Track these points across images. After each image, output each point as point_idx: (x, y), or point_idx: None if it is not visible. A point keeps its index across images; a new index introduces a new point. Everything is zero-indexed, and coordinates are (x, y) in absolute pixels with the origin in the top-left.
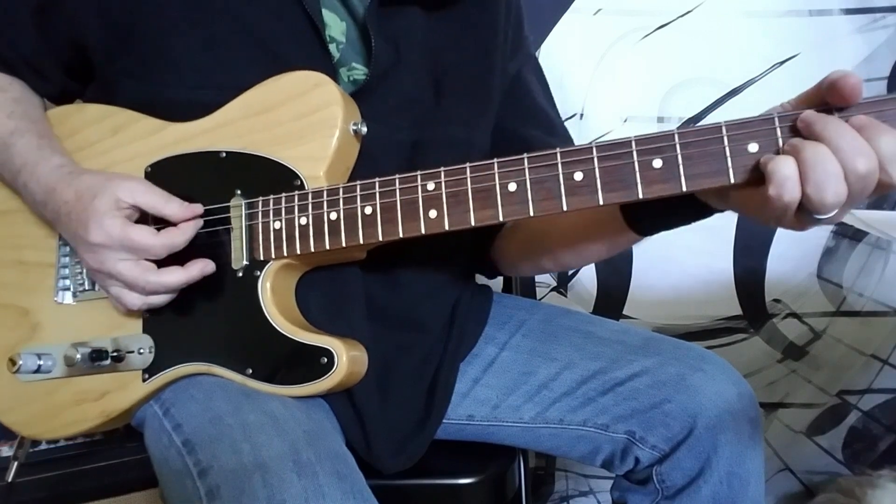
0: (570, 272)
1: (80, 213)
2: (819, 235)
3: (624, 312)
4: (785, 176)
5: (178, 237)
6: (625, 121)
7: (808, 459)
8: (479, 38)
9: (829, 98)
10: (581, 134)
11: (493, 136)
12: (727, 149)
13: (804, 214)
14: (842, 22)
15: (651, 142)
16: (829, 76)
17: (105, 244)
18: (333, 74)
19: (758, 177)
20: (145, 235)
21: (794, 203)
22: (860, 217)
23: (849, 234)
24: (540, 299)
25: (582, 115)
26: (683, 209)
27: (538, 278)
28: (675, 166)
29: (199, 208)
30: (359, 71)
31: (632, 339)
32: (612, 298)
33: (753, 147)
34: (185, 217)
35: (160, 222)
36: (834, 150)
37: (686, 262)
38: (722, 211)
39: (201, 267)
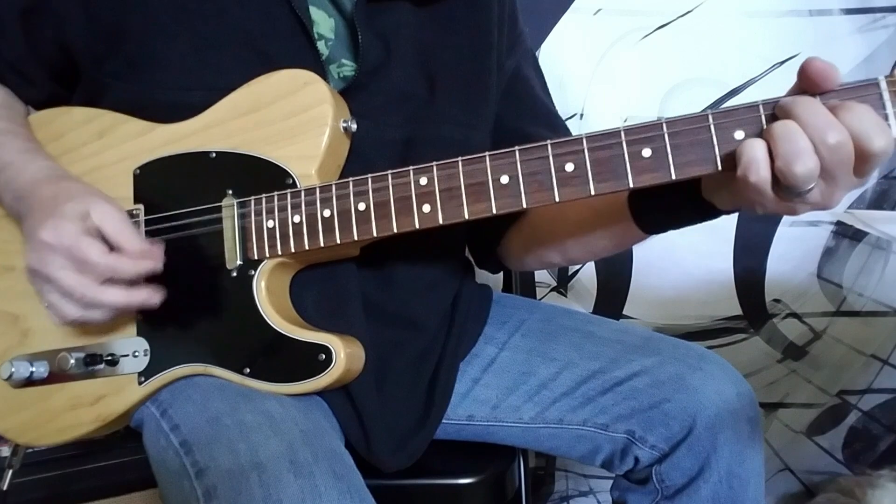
0: (570, 272)
1: (45, 210)
2: (819, 235)
3: (624, 312)
4: (750, 158)
5: (126, 266)
6: (625, 121)
7: (808, 459)
8: (472, 34)
9: (804, 85)
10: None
11: (495, 135)
12: (714, 137)
13: (783, 192)
14: (842, 22)
15: (640, 131)
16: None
17: (52, 245)
18: (323, 71)
19: None
20: (95, 251)
21: (763, 183)
22: (860, 217)
23: (849, 234)
24: (540, 299)
25: (582, 115)
26: (690, 209)
27: (538, 278)
28: (664, 155)
29: (159, 257)
30: (348, 67)
31: (631, 339)
32: (612, 298)
33: (740, 134)
34: (143, 258)
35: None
36: (804, 125)
37: (686, 262)
38: (728, 212)
39: (145, 297)
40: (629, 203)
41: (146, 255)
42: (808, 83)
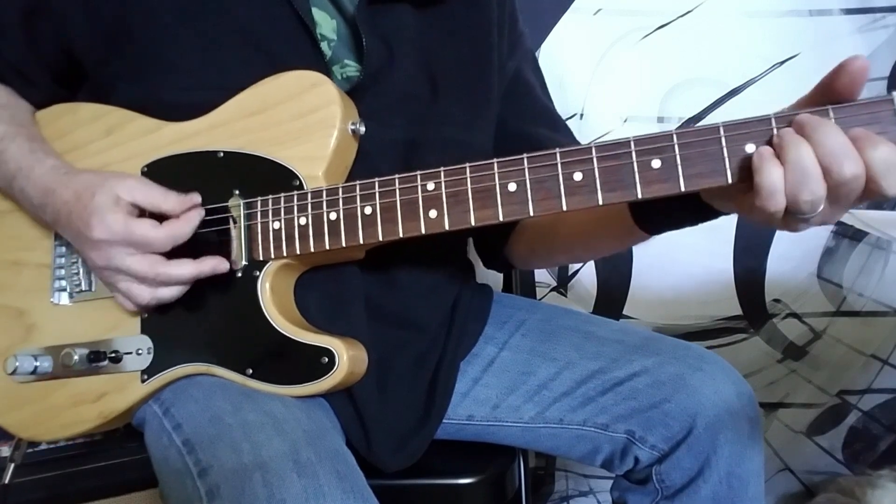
0: (570, 272)
1: (81, 212)
2: (819, 235)
3: (624, 312)
4: (772, 189)
5: (181, 228)
6: (625, 121)
7: (808, 459)
8: (473, 36)
9: (836, 83)
10: (581, 134)
11: (497, 136)
12: (725, 149)
13: (788, 216)
14: (842, 22)
15: (650, 142)
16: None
17: (109, 240)
18: (327, 72)
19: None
20: (148, 229)
21: (781, 212)
22: (860, 217)
23: (849, 234)
24: (540, 299)
25: (582, 115)
26: (690, 211)
27: (538, 278)
28: (674, 166)
29: (196, 197)
30: (351, 67)
31: (631, 339)
32: (612, 298)
33: (751, 147)
34: (185, 209)
35: (161, 218)
36: (821, 154)
37: (686, 262)
38: (727, 214)
39: (214, 264)
40: (630, 204)
41: (186, 203)
42: (844, 81)
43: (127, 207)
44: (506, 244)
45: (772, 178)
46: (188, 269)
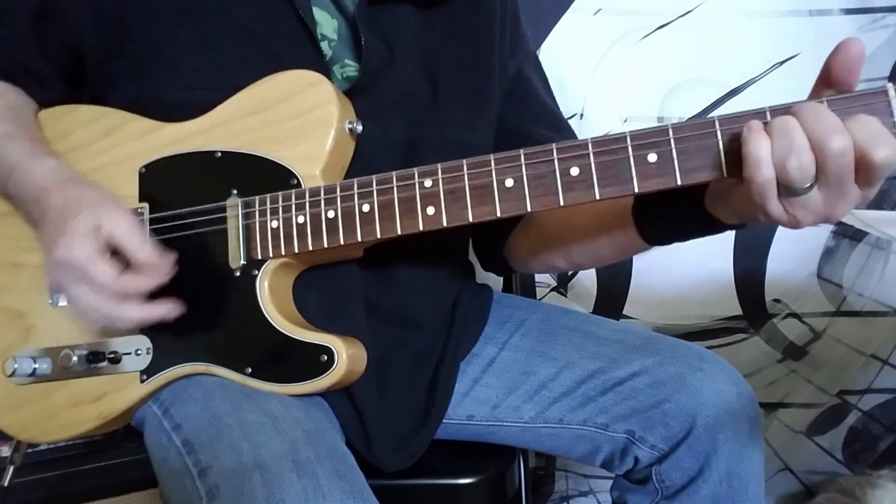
0: (570, 272)
1: (58, 225)
2: (819, 235)
3: (624, 312)
4: (757, 158)
5: (139, 284)
6: (625, 121)
7: (808, 459)
8: (474, 37)
9: (833, 61)
10: (581, 134)
11: (498, 136)
12: (720, 142)
13: (783, 191)
14: (842, 22)
15: (646, 136)
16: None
17: (66, 264)
18: (326, 72)
19: None
20: (105, 274)
21: (769, 183)
22: (860, 217)
23: (849, 234)
24: (540, 299)
25: (582, 115)
26: (694, 222)
27: (538, 278)
28: (670, 160)
29: (168, 264)
30: (351, 67)
31: (631, 339)
32: (612, 298)
33: None
34: (151, 268)
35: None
36: (809, 130)
37: (686, 262)
38: (733, 227)
39: (164, 312)
40: (633, 214)
41: (155, 265)
42: (841, 61)
43: (101, 241)
44: (505, 243)
45: (759, 146)
46: (137, 313)
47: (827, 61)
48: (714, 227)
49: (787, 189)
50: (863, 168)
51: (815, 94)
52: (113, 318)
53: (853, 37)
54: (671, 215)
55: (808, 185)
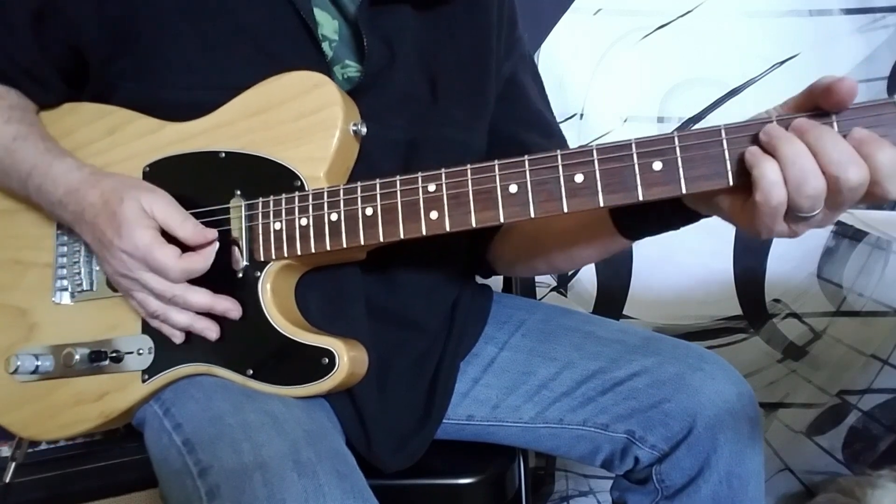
0: (571, 272)
1: (109, 217)
2: (819, 235)
3: (624, 312)
4: (771, 182)
5: (198, 263)
6: (625, 121)
7: (808, 459)
8: (473, 39)
9: (824, 102)
10: (581, 134)
11: (488, 139)
12: (726, 151)
13: (789, 215)
14: (842, 22)
15: (651, 144)
16: (822, 80)
17: (130, 252)
18: (328, 72)
19: None
20: (169, 257)
21: (782, 206)
22: (860, 217)
23: (849, 234)
24: (540, 299)
25: (582, 115)
26: (672, 214)
27: (538, 278)
28: (675, 169)
29: (213, 233)
30: (352, 68)
31: (631, 339)
32: (612, 298)
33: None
34: (198, 242)
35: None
36: (824, 163)
37: (686, 262)
38: (709, 216)
39: (228, 306)
40: (611, 211)
41: (200, 237)
42: (832, 102)
43: (154, 223)
44: (486, 250)
45: (768, 171)
46: (203, 300)
47: (818, 94)
48: (692, 219)
49: (793, 214)
50: (872, 194)
51: (802, 104)
52: (186, 302)
53: (843, 78)
54: (644, 208)
55: (818, 210)
